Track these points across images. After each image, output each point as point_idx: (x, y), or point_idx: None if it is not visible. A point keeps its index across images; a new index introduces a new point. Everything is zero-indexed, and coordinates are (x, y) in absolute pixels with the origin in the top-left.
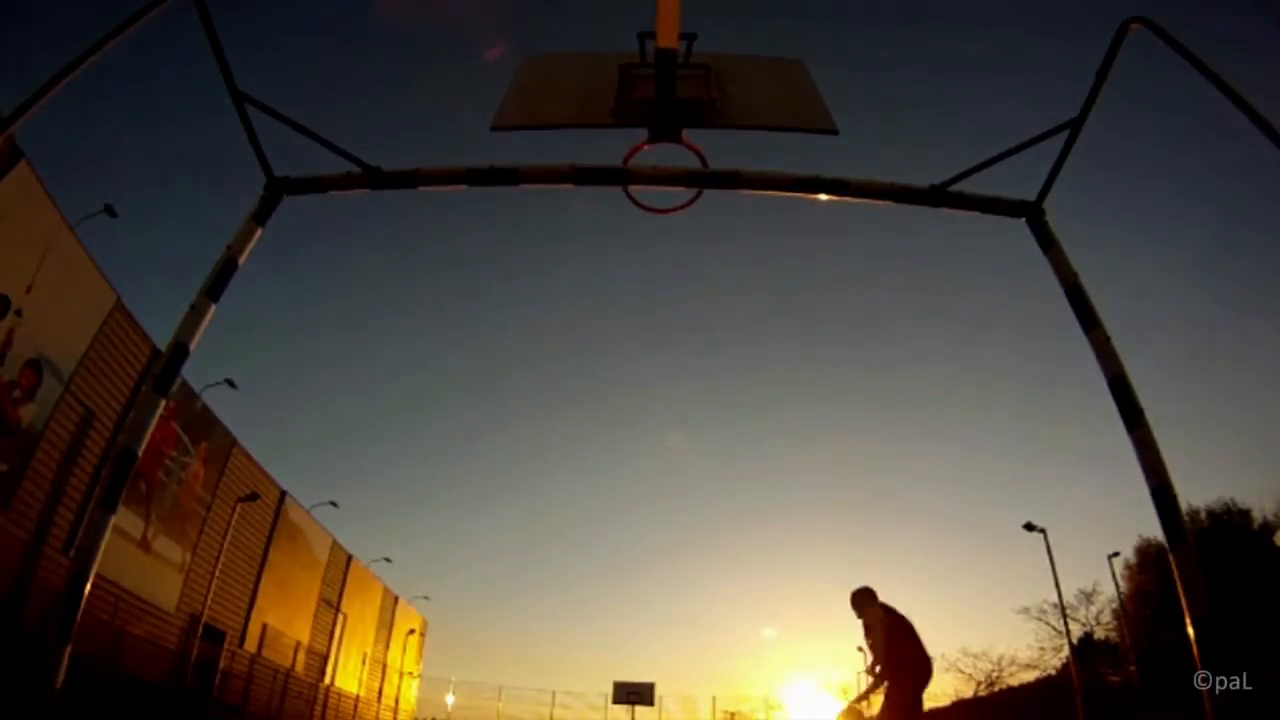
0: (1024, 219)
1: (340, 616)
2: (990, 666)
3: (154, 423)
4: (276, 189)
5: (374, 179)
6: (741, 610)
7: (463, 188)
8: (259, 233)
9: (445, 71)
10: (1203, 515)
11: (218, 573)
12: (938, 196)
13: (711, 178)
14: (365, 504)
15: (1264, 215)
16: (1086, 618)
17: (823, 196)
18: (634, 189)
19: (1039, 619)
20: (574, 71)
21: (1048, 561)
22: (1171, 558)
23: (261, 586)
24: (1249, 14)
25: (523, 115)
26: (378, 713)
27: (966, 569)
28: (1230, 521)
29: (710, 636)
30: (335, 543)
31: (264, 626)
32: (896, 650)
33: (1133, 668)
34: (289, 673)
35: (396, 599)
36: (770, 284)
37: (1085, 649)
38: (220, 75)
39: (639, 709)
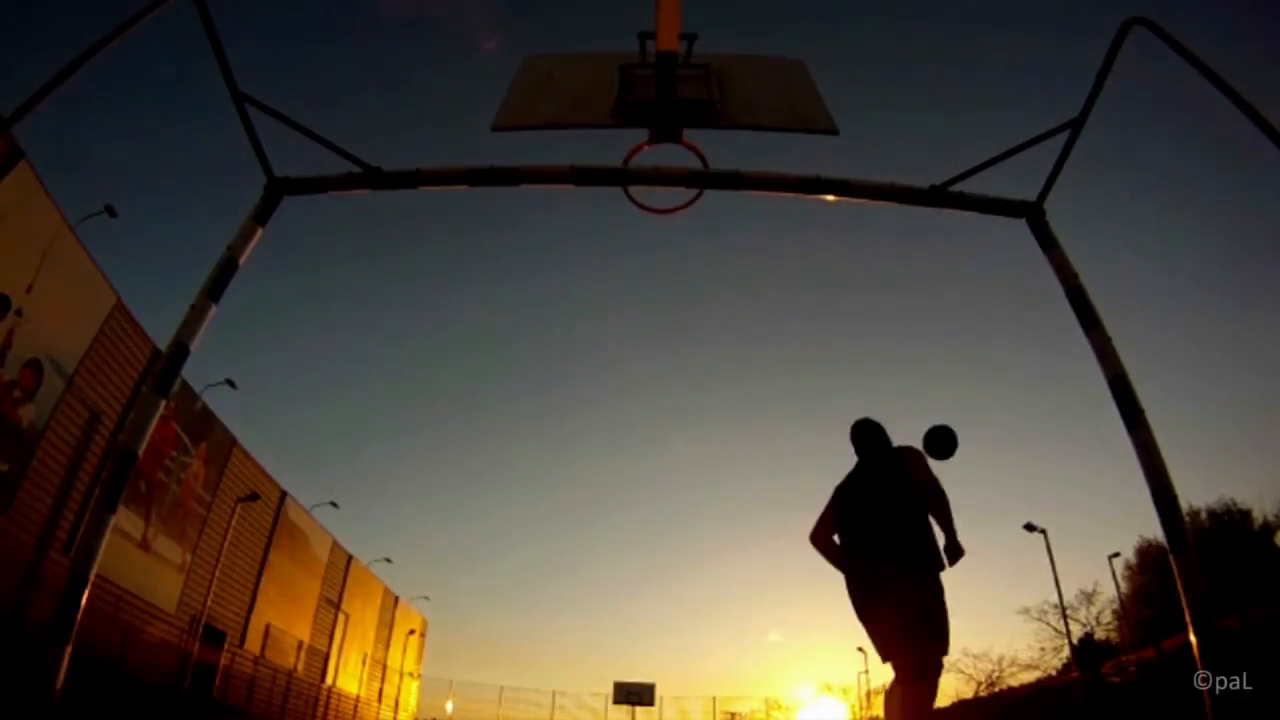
0: (1024, 219)
1: (341, 616)
2: (990, 667)
3: (154, 423)
4: (276, 189)
5: (374, 179)
6: (742, 610)
7: (464, 188)
8: (259, 233)
9: (446, 71)
10: (1203, 515)
11: (218, 573)
12: (938, 196)
13: (711, 178)
14: (365, 504)
15: (1265, 215)
16: (1087, 618)
17: (823, 197)
18: (634, 189)
19: (1039, 619)
20: (574, 72)
21: (1048, 562)
22: (1172, 559)
23: (262, 587)
24: (1249, 14)
25: (523, 116)
26: (378, 713)
27: (967, 569)
28: (1230, 521)
29: (711, 637)
30: (335, 543)
31: (266, 627)
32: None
33: (1133, 668)
34: (291, 673)
35: (397, 599)
36: (770, 283)
37: (1086, 649)
38: (220, 75)
39: (639, 709)
